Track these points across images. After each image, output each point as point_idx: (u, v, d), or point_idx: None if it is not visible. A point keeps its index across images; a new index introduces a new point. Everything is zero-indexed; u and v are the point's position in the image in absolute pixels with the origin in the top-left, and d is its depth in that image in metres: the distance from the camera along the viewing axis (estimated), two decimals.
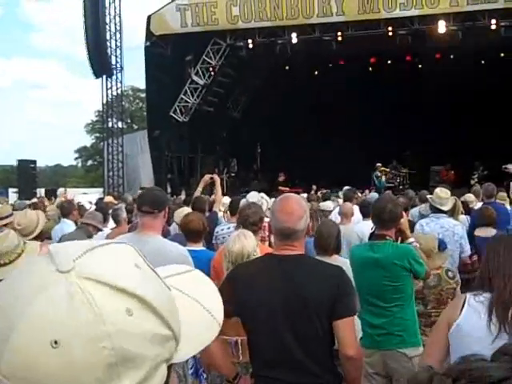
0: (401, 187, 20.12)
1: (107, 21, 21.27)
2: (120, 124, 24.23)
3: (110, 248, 0.78)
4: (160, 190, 4.75)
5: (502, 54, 20.27)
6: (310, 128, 23.68)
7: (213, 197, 9.04)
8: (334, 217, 7.96)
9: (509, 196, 9.16)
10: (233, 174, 23.04)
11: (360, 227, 6.56)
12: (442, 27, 17.66)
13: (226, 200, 8.52)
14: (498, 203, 8.57)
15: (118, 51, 22.09)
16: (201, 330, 0.87)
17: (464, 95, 22.01)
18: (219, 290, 3.04)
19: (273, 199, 6.51)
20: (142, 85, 30.11)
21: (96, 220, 6.69)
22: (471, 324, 2.50)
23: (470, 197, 9.33)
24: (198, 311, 0.88)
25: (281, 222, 2.88)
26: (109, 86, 22.51)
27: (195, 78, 20.28)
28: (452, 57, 21.20)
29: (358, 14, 17.87)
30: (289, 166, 22.41)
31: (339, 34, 18.56)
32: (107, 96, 22.74)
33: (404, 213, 6.72)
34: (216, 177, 8.46)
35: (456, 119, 22.45)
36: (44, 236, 5.58)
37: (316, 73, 23.55)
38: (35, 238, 5.10)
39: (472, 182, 18.87)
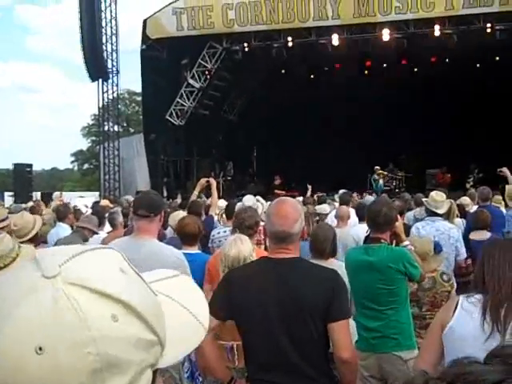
0: (397, 190, 20.15)
1: (103, 24, 21.25)
2: (116, 127, 24.24)
3: (95, 253, 0.78)
4: (156, 193, 4.75)
5: (498, 58, 20.34)
6: (306, 131, 23.72)
7: (209, 200, 9.04)
8: (331, 220, 7.98)
9: (504, 199, 9.17)
10: (229, 178, 23.05)
11: (356, 230, 6.57)
12: (437, 31, 17.73)
13: (222, 203, 8.52)
14: (494, 206, 8.59)
15: (114, 55, 22.09)
16: (187, 335, 0.87)
17: (459, 98, 22.07)
18: (214, 293, 3.04)
19: (269, 202, 6.52)
20: (138, 88, 30.14)
21: (92, 223, 6.69)
22: (464, 325, 2.52)
23: (465, 200, 9.35)
24: (184, 316, 0.87)
25: (276, 226, 2.89)
26: (105, 89, 22.49)
27: (191, 81, 20.29)
28: (447, 60, 21.27)
29: (354, 18, 17.92)
30: (285, 170, 22.43)
31: (335, 37, 18.60)
32: (103, 99, 22.72)
33: (400, 216, 6.77)
34: (212, 180, 8.46)
35: (451, 122, 22.50)
36: (40, 240, 5.57)
37: (312, 76, 23.59)
38: (30, 240, 5.10)
39: (467, 185, 18.91)
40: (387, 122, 22.53)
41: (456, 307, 2.56)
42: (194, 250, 5.06)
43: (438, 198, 6.67)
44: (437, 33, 17.78)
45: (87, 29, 20.50)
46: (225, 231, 6.18)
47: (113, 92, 22.80)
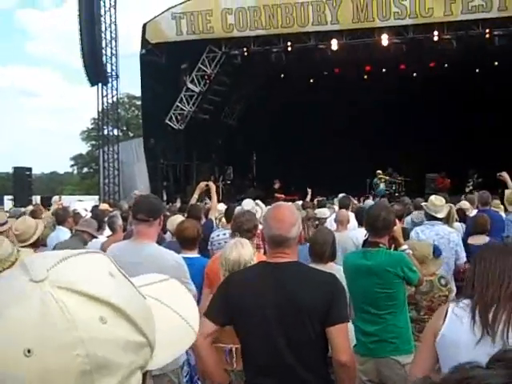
0: (396, 194, 20.15)
1: (103, 29, 21.28)
2: (116, 131, 24.23)
3: (84, 257, 0.79)
4: (155, 197, 4.76)
5: (496, 63, 20.37)
6: (305, 135, 23.75)
7: (208, 204, 9.05)
8: (330, 224, 7.98)
9: (503, 203, 9.18)
10: (228, 182, 23.05)
11: (355, 234, 6.58)
12: (436, 36, 17.76)
13: (222, 207, 8.53)
14: (493, 211, 8.60)
15: (114, 59, 22.11)
16: (177, 338, 0.88)
17: (458, 103, 22.12)
18: (213, 297, 3.05)
19: (268, 207, 6.53)
20: (137, 92, 30.14)
21: (91, 227, 6.68)
22: (455, 331, 2.54)
23: (465, 204, 9.36)
24: (174, 319, 0.88)
25: (273, 230, 2.91)
26: (104, 93, 22.50)
27: (191, 85, 20.31)
28: (446, 65, 21.30)
29: (353, 23, 17.96)
30: (284, 174, 22.45)
31: (334, 42, 18.63)
32: (103, 104, 22.73)
33: (399, 220, 6.78)
34: (211, 184, 8.47)
35: (450, 127, 22.53)
36: (39, 243, 5.58)
37: (311, 81, 23.63)
38: (32, 245, 5.11)
39: (467, 189, 18.92)
40: (386, 126, 22.57)
41: (446, 314, 2.58)
42: (193, 253, 5.06)
43: (438, 203, 6.68)
44: (435, 38, 17.81)
45: (87, 33, 20.54)
46: (224, 233, 6.19)
47: (112, 96, 22.83)
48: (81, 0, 20.35)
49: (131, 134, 45.47)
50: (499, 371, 0.87)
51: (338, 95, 22.60)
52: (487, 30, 17.29)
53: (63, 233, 7.20)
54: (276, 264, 2.90)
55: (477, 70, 21.41)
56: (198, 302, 4.27)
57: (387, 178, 20.88)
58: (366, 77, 23.05)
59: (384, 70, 22.14)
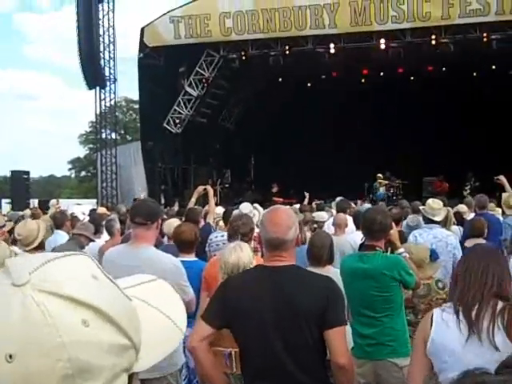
0: (394, 198, 20.18)
1: (101, 32, 21.28)
2: (113, 135, 24.19)
3: (66, 260, 0.78)
4: (153, 201, 4.77)
5: (494, 67, 20.41)
6: (303, 139, 23.78)
7: (206, 207, 9.05)
8: (328, 227, 7.98)
9: (500, 207, 9.20)
10: (226, 185, 23.05)
11: (353, 237, 6.58)
12: (433, 40, 17.80)
13: (220, 210, 8.53)
14: (491, 214, 8.61)
15: (112, 62, 22.11)
16: (163, 339, 0.87)
17: (456, 107, 22.17)
18: (210, 301, 3.05)
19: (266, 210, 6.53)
20: (135, 96, 30.15)
21: (88, 231, 6.68)
22: (442, 335, 2.57)
23: (463, 208, 9.38)
24: (161, 320, 0.88)
25: (270, 233, 2.91)
26: (102, 97, 22.49)
27: (188, 89, 20.31)
28: (444, 69, 21.35)
29: (351, 27, 17.97)
30: (282, 177, 22.48)
31: (332, 46, 18.66)
32: (101, 107, 22.73)
33: (397, 224, 6.79)
34: (209, 188, 8.48)
35: (448, 130, 22.57)
36: (43, 246, 5.58)
37: (309, 84, 23.65)
38: (36, 248, 5.10)
39: (464, 193, 18.94)
40: (384, 129, 22.63)
41: (432, 320, 2.61)
42: (191, 257, 5.07)
43: (435, 206, 6.69)
44: (433, 42, 17.84)
45: (84, 36, 20.54)
46: (222, 235, 6.21)
47: (110, 100, 22.82)
48: (79, 4, 20.35)
49: (129, 138, 45.47)
50: (508, 377, 0.87)
51: (335, 99, 22.63)
52: (485, 34, 17.31)
53: (61, 236, 7.18)
54: (273, 267, 2.90)
55: (474, 74, 21.44)
56: (196, 305, 4.28)
57: (387, 182, 20.92)
58: (363, 80, 23.08)
59: (382, 73, 22.17)
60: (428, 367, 2.64)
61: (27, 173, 22.37)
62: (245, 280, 3.07)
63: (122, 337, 0.77)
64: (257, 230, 5.44)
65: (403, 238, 5.86)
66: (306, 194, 14.11)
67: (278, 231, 2.88)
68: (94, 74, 21.38)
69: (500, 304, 2.53)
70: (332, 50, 18.77)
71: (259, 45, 19.31)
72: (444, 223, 6.90)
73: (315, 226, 8.41)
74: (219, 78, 20.73)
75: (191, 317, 4.18)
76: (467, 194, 17.47)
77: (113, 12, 21.59)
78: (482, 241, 6.57)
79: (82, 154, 59.14)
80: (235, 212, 7.04)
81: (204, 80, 20.18)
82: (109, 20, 21.57)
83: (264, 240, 3.00)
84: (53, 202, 14.41)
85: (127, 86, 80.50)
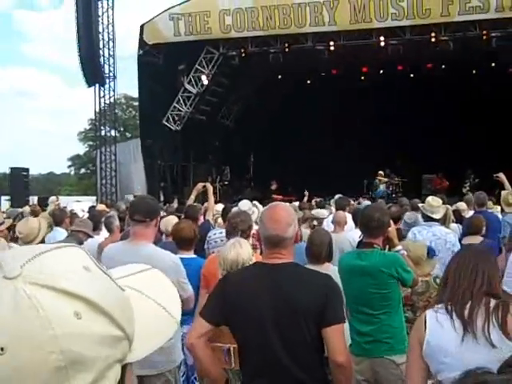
0: (393, 195, 20.18)
1: (100, 30, 21.25)
2: (113, 132, 24.22)
3: (58, 252, 0.78)
4: (152, 198, 4.77)
5: (493, 64, 20.39)
6: (302, 136, 23.76)
7: (205, 205, 9.05)
8: (327, 225, 7.99)
9: (500, 204, 9.20)
10: (226, 183, 23.03)
11: (352, 235, 6.58)
12: (433, 37, 17.78)
13: (220, 208, 8.54)
14: (490, 212, 8.62)
15: (111, 60, 22.10)
16: (157, 329, 0.87)
17: (455, 104, 22.16)
18: (209, 298, 3.05)
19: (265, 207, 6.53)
20: (135, 93, 30.09)
21: (87, 227, 6.69)
22: (438, 336, 2.58)
23: (462, 205, 9.38)
24: (155, 310, 0.88)
25: (269, 230, 2.90)
26: (102, 94, 22.48)
27: (188, 86, 20.29)
28: (443, 66, 21.34)
29: (350, 24, 17.95)
30: (282, 175, 22.47)
31: (331, 43, 18.64)
32: (100, 104, 22.71)
33: (397, 221, 6.79)
34: (208, 185, 8.48)
35: (447, 128, 22.57)
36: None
37: (308, 82, 23.63)
38: None
39: (464, 190, 18.95)
40: (383, 127, 22.61)
41: (426, 322, 2.62)
42: (190, 254, 5.07)
43: (434, 203, 6.70)
44: (433, 39, 17.83)
45: (84, 34, 20.51)
46: (221, 232, 6.21)
47: (110, 97, 22.80)
48: (78, 1, 20.32)
49: (128, 135, 45.47)
50: (510, 375, 0.87)
51: (335, 96, 22.62)
52: (484, 31, 17.29)
53: (60, 233, 7.18)
54: (272, 265, 2.90)
55: (474, 71, 21.43)
56: (195, 302, 4.28)
57: (387, 179, 20.92)
58: (363, 78, 23.08)
59: (381, 71, 22.16)
60: (425, 368, 2.66)
61: (26, 170, 22.36)
62: (244, 277, 3.07)
63: (114, 328, 0.77)
64: (256, 227, 5.45)
65: (401, 236, 5.86)
66: (306, 193, 14.14)
67: (278, 228, 2.88)
68: (94, 71, 21.37)
69: (493, 302, 2.55)
70: (332, 48, 18.75)
71: (259, 42, 19.29)
72: (443, 221, 6.90)
73: (314, 223, 8.42)
74: (219, 75, 20.71)
75: (190, 314, 4.19)
76: (466, 192, 17.48)
77: (112, 9, 21.59)
78: (479, 238, 6.58)
79: (81, 151, 59.24)
80: (234, 209, 7.05)
81: (203, 77, 20.16)
82: (108, 17, 21.55)
83: (263, 237, 2.99)
84: (52, 199, 14.41)
85: (127, 83, 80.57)
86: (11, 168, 22.06)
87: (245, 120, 23.68)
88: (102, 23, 21.36)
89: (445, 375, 2.59)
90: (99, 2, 21.04)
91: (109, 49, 21.85)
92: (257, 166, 24.50)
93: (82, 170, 59.75)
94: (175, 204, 13.44)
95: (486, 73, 20.69)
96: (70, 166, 63.52)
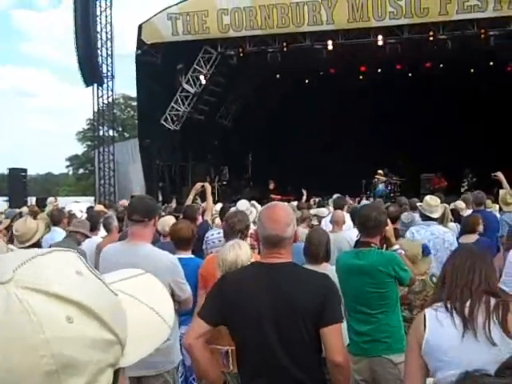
0: (392, 195, 20.18)
1: (98, 29, 21.23)
2: (111, 132, 24.17)
3: (50, 256, 0.78)
4: (150, 198, 4.76)
5: (492, 63, 20.40)
6: (300, 136, 23.75)
7: (203, 205, 9.04)
8: (325, 225, 7.99)
9: (498, 203, 9.22)
10: (224, 182, 23.02)
11: (350, 234, 6.58)
12: (431, 36, 17.78)
13: (219, 207, 8.54)
14: (488, 211, 8.63)
15: (109, 59, 22.06)
16: (150, 333, 0.87)
17: (454, 103, 22.17)
18: (207, 298, 3.04)
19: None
20: (133, 93, 30.12)
21: (84, 228, 6.69)
22: (438, 334, 2.59)
23: (460, 204, 9.39)
24: (147, 314, 0.88)
25: (268, 230, 2.89)
26: (100, 94, 22.44)
27: (186, 86, 20.29)
28: (442, 65, 21.35)
29: (348, 23, 17.95)
30: (280, 174, 22.47)
31: (329, 42, 18.63)
32: (98, 104, 22.68)
33: (395, 221, 6.79)
34: (207, 185, 8.47)
35: (445, 127, 22.58)
36: (40, 244, 5.58)
37: (307, 81, 23.64)
38: (32, 246, 5.11)
39: (462, 189, 18.96)
40: (381, 126, 22.61)
41: (425, 320, 2.63)
42: (188, 254, 5.07)
43: (433, 203, 6.70)
44: (431, 38, 17.82)
45: (82, 34, 20.48)
46: (218, 233, 6.20)
47: (108, 97, 22.77)
48: (76, 0, 20.30)
49: (127, 135, 45.43)
50: (509, 379, 0.87)
51: (333, 95, 22.62)
52: (482, 30, 17.29)
53: (58, 234, 7.18)
54: (271, 265, 2.90)
55: (472, 70, 21.44)
56: (194, 302, 4.27)
57: (385, 178, 20.93)
58: (361, 77, 23.08)
59: (379, 70, 22.17)
60: (424, 367, 2.66)
61: (25, 170, 22.33)
62: (242, 277, 3.07)
63: (106, 332, 0.77)
64: (253, 227, 5.45)
65: (398, 236, 5.86)
66: (304, 192, 14.15)
67: (277, 228, 2.87)
68: (92, 71, 21.33)
69: (493, 300, 2.56)
70: (330, 47, 18.74)
71: (257, 41, 19.29)
72: (441, 220, 6.91)
73: (313, 223, 8.46)
74: (217, 74, 20.71)
75: (188, 314, 4.19)
76: (464, 191, 17.49)
77: (110, 9, 21.56)
78: (475, 236, 6.59)
79: (79, 151, 59.16)
80: (232, 209, 7.04)
81: (202, 77, 20.16)
82: (106, 17, 21.52)
83: (262, 237, 2.98)
84: (51, 199, 14.41)
85: (125, 83, 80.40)
86: (9, 168, 22.04)
87: (243, 120, 23.69)
88: (100, 23, 21.34)
89: (442, 374, 2.59)
90: (97, 2, 21.02)
91: (107, 48, 21.82)
92: (255, 165, 24.50)
93: (81, 171, 59.69)
94: (174, 204, 13.43)
95: (484, 71, 20.69)
96: (68, 167, 63.52)
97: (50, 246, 6.22)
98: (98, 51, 21.42)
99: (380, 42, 18.36)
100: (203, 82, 20.23)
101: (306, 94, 23.14)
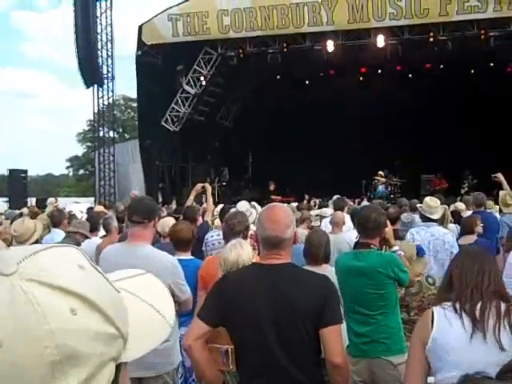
0: (391, 196, 20.17)
1: (98, 30, 21.23)
2: (111, 133, 24.17)
3: (53, 251, 0.80)
4: (150, 199, 4.76)
5: (492, 64, 20.41)
6: (301, 137, 23.75)
7: (204, 205, 9.04)
8: (325, 226, 7.99)
9: (497, 205, 9.22)
10: (224, 183, 23.03)
11: (349, 235, 6.58)
12: (431, 37, 17.78)
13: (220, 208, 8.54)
14: (488, 212, 8.63)
15: (110, 60, 22.07)
16: (151, 331, 0.88)
17: (454, 104, 22.15)
18: (206, 299, 3.04)
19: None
20: (133, 94, 30.13)
21: (84, 228, 6.69)
22: (445, 333, 2.58)
23: (461, 205, 9.39)
24: (148, 312, 0.89)
25: (268, 231, 2.89)
26: (100, 95, 22.45)
27: (186, 87, 20.30)
28: (442, 66, 21.35)
29: (348, 24, 17.96)
30: (280, 175, 22.45)
31: (329, 43, 18.63)
32: (98, 105, 22.69)
33: (395, 222, 6.78)
34: (207, 186, 8.47)
35: (445, 128, 22.55)
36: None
37: (307, 82, 23.64)
38: None
39: (462, 191, 18.97)
40: (382, 127, 22.59)
41: (433, 319, 2.62)
42: (187, 255, 5.06)
43: (433, 204, 6.70)
44: (431, 39, 17.82)
45: (82, 35, 20.48)
46: (218, 234, 6.19)
47: (108, 98, 22.76)
48: (76, 2, 20.31)
49: (127, 136, 45.45)
50: (510, 382, 0.87)
51: (333, 96, 22.60)
52: (482, 31, 17.30)
53: (58, 234, 7.17)
54: (270, 266, 2.89)
55: (472, 71, 21.43)
56: (194, 303, 4.27)
57: (384, 180, 20.93)
58: (361, 78, 23.09)
59: (380, 70, 22.17)
60: (426, 365, 2.65)
61: (25, 171, 22.36)
62: (241, 277, 3.06)
63: (109, 326, 0.78)
64: (253, 228, 5.44)
65: (398, 237, 5.87)
66: (306, 196, 14.18)
67: (276, 229, 2.87)
68: (92, 72, 21.34)
69: (503, 305, 2.56)
70: (330, 48, 18.73)
71: (257, 42, 19.30)
72: (441, 221, 6.91)
73: (313, 224, 8.48)
74: (217, 75, 20.71)
75: (188, 315, 4.19)
76: (464, 192, 17.49)
77: (110, 10, 21.56)
78: (473, 237, 6.61)
79: (80, 152, 59.18)
80: (231, 210, 7.04)
81: (202, 78, 20.17)
82: (107, 18, 21.53)
83: (261, 238, 2.98)
84: (51, 200, 14.40)
85: (125, 84, 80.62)
86: (9, 169, 22.06)
87: (243, 121, 23.69)
88: (101, 24, 21.35)
89: (441, 375, 2.58)
90: (97, 3, 21.03)
91: (107, 49, 21.83)
92: (255, 166, 24.50)
93: (81, 171, 59.71)
94: (174, 205, 13.45)
95: (484, 72, 20.68)
96: (68, 167, 63.55)
97: None
98: (99, 52, 21.44)
99: (380, 43, 18.35)
100: (203, 82, 20.24)
101: (306, 94, 23.13)
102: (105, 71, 22.03)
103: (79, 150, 59.41)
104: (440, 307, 2.65)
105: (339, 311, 2.93)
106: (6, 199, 21.11)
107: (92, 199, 23.43)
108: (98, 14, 21.14)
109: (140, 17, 67.18)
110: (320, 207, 10.65)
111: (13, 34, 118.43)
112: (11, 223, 7.81)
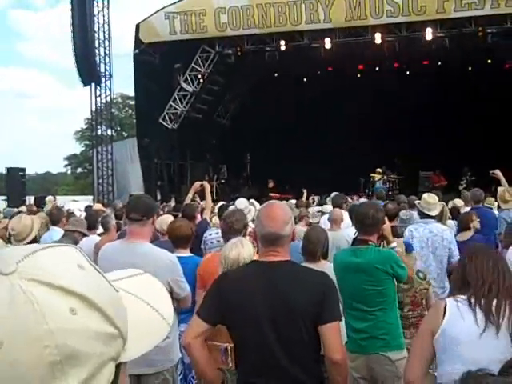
0: (390, 193, 20.17)
1: (96, 29, 21.20)
2: (109, 131, 24.16)
3: (53, 250, 0.80)
4: (148, 197, 4.76)
5: (489, 61, 20.41)
6: (299, 134, 23.74)
7: (202, 203, 9.05)
8: (323, 223, 8.00)
9: (496, 201, 9.23)
10: (223, 181, 23.03)
11: (348, 232, 6.59)
12: (429, 34, 17.78)
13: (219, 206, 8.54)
14: (486, 208, 8.64)
15: (107, 59, 22.04)
16: (150, 331, 0.88)
17: (452, 101, 22.16)
18: (205, 297, 3.04)
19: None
20: (131, 92, 30.03)
21: (82, 226, 6.69)
22: (457, 326, 2.57)
23: (459, 202, 9.40)
24: (147, 312, 0.89)
25: (266, 228, 2.89)
26: (98, 93, 22.43)
27: (184, 85, 20.29)
28: (439, 63, 21.35)
29: (346, 21, 17.94)
30: (279, 173, 22.44)
31: (327, 40, 18.62)
32: (96, 104, 22.67)
33: (393, 219, 6.80)
34: (206, 184, 8.47)
35: (444, 125, 22.56)
36: (36, 242, 5.57)
37: (305, 80, 23.64)
38: (30, 243, 5.08)
39: (460, 187, 18.97)
40: (380, 124, 22.59)
41: (445, 310, 2.62)
42: (186, 253, 5.06)
43: (431, 200, 6.70)
44: (429, 36, 17.81)
45: (79, 33, 20.46)
46: (217, 232, 6.19)
47: (106, 96, 22.75)
48: (73, 0, 20.27)
49: (125, 134, 45.35)
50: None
51: (331, 94, 22.60)
52: (480, 28, 17.31)
53: (56, 233, 7.17)
54: (269, 263, 2.90)
55: (470, 68, 21.45)
56: (193, 301, 4.28)
57: (381, 177, 20.93)
58: (359, 75, 23.08)
59: (377, 68, 22.18)
60: (430, 356, 2.65)
61: (23, 170, 22.32)
62: (240, 275, 3.06)
63: (109, 325, 0.78)
64: (252, 226, 5.44)
65: (395, 234, 5.88)
66: (304, 191, 14.16)
67: (275, 226, 2.87)
68: (89, 70, 21.32)
69: None
70: (327, 45, 18.72)
71: (254, 40, 19.29)
72: (439, 218, 6.91)
73: (316, 219, 8.54)
74: (215, 73, 20.71)
75: (188, 312, 4.19)
76: (463, 189, 17.49)
77: (108, 8, 21.54)
78: (469, 233, 6.64)
79: (78, 150, 59.09)
80: (231, 208, 7.04)
81: (199, 76, 20.16)
82: (104, 16, 21.51)
83: (260, 235, 2.98)
84: (49, 198, 14.42)
85: (123, 82, 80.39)
86: (8, 168, 22.02)
87: (241, 118, 23.68)
88: (98, 22, 21.32)
89: (444, 368, 2.59)
90: (94, 1, 21.00)
91: (104, 48, 21.82)
92: (254, 164, 24.49)
93: (79, 170, 59.59)
94: (172, 203, 13.44)
95: (482, 69, 20.70)
96: (66, 166, 63.41)
97: None
98: (96, 51, 21.42)
99: (378, 40, 18.34)
100: (201, 80, 20.23)
101: (304, 92, 23.12)
102: (102, 69, 22.02)
103: (77, 148, 59.40)
104: (453, 299, 2.65)
105: (338, 308, 2.93)
106: (4, 197, 21.08)
107: (90, 197, 23.41)
108: (95, 13, 21.11)
109: (137, 15, 67.00)
110: (319, 205, 10.68)
111: (10, 33, 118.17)
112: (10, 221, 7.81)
